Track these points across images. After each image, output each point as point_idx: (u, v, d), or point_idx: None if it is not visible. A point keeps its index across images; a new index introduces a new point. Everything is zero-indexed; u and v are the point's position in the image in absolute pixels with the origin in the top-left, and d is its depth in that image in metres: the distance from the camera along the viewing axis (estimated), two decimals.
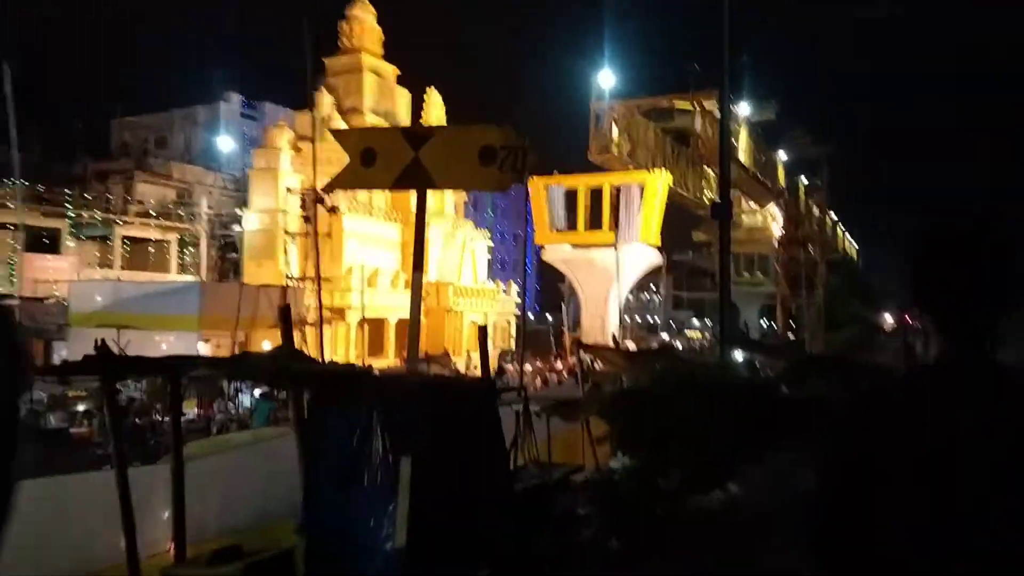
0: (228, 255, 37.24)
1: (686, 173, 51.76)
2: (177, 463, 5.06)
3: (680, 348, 35.88)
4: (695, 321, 79.74)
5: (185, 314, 21.03)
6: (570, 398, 11.44)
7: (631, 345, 36.15)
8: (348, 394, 5.06)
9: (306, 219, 24.35)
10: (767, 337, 50.01)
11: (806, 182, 59.46)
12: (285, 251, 27.66)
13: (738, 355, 21.95)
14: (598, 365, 14.15)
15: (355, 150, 5.12)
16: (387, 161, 5.00)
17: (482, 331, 7.15)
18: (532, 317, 68.19)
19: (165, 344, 21.55)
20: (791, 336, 44.28)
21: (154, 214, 33.40)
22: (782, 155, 59.25)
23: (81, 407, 15.89)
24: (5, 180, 28.20)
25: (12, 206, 27.53)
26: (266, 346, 25.13)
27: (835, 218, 70.96)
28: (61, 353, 24.66)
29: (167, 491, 7.75)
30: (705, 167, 53.97)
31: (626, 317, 57.96)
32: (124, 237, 32.37)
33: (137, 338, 21.35)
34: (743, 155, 51.64)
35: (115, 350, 18.28)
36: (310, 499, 4.83)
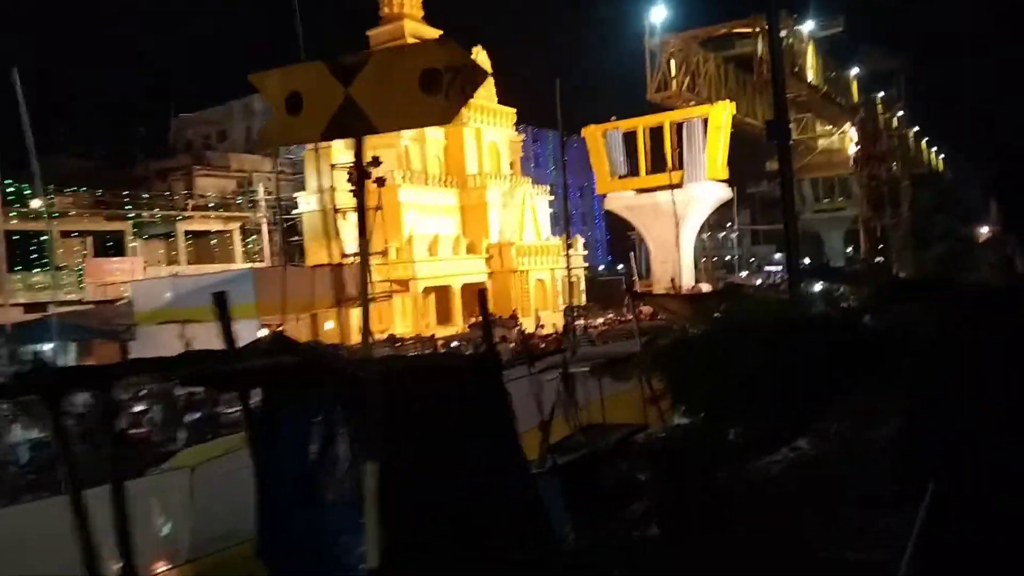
0: (292, 239, 37.35)
1: (753, 101, 49.27)
2: (115, 486, 4.36)
3: (758, 284, 34.21)
4: (777, 255, 76.85)
5: (242, 303, 20.88)
6: (622, 354, 10.50)
7: (705, 287, 34.71)
8: (300, 390, 4.28)
9: (354, 193, 23.80)
10: (852, 263, 47.48)
11: (883, 95, 55.82)
12: (337, 230, 27.22)
13: (817, 286, 20.50)
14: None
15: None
16: (315, 105, 4.10)
17: (481, 295, 6.24)
18: (603, 268, 66.97)
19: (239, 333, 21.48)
20: (878, 260, 41.79)
21: (212, 206, 33.59)
22: (855, 71, 55.80)
23: (138, 407, 15.84)
24: (65, 188, 28.70)
25: (72, 213, 28.07)
26: (328, 327, 24.99)
27: (918, 132, 66.68)
28: (133, 353, 25.09)
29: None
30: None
31: (701, 258, 56.15)
32: (186, 232, 32.71)
33: (201, 331, 21.42)
34: (811, 73, 48.71)
35: (180, 345, 18.10)
36: (266, 518, 4.11)
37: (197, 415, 16.63)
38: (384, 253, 25.76)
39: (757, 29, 46.78)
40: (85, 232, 29.56)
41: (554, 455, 7.80)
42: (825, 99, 50.81)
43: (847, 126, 48.38)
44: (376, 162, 24.51)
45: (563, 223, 33.67)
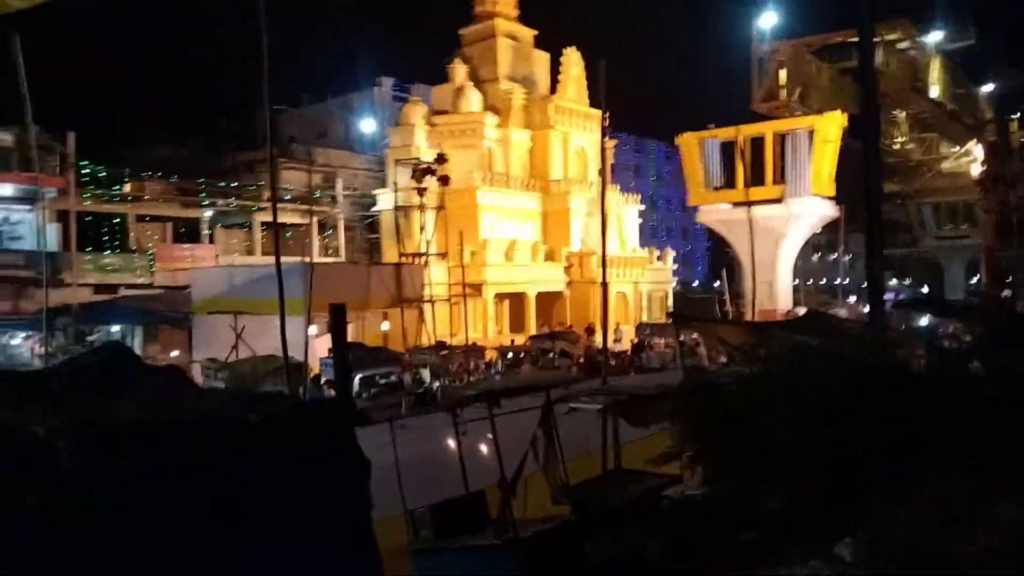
0: (372, 236, 36.79)
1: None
2: None
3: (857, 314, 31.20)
4: (893, 282, 71.77)
5: (291, 298, 20.04)
6: (649, 390, 8.66)
7: (801, 312, 31.90)
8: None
9: (418, 192, 22.84)
10: (974, 296, 43.22)
11: (1018, 115, 50.89)
12: (407, 229, 26.19)
13: (923, 320, 17.83)
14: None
15: None
16: None
17: (336, 311, 4.70)
18: (696, 284, 64.03)
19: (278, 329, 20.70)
20: (1004, 294, 37.68)
21: (288, 198, 33.28)
22: (987, 88, 51.11)
23: None
24: (148, 174, 28.87)
25: (147, 198, 28.21)
26: (385, 327, 23.92)
27: None
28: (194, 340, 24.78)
29: None
30: (894, 110, 47.53)
31: (808, 281, 52.57)
32: (263, 223, 32.49)
33: (253, 323, 20.71)
34: (936, 89, 44.76)
35: (232, 335, 17.06)
36: None
37: None
38: (444, 255, 24.50)
39: (876, 39, 43.41)
40: (162, 218, 29.69)
41: (514, 525, 6.14)
42: (951, 117, 46.68)
43: (972, 143, 44.15)
44: (441, 159, 23.38)
45: (662, 236, 31.84)
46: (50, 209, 25.85)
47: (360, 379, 17.79)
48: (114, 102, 65.15)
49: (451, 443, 6.82)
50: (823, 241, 59.47)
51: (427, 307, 22.96)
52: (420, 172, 22.20)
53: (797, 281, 45.44)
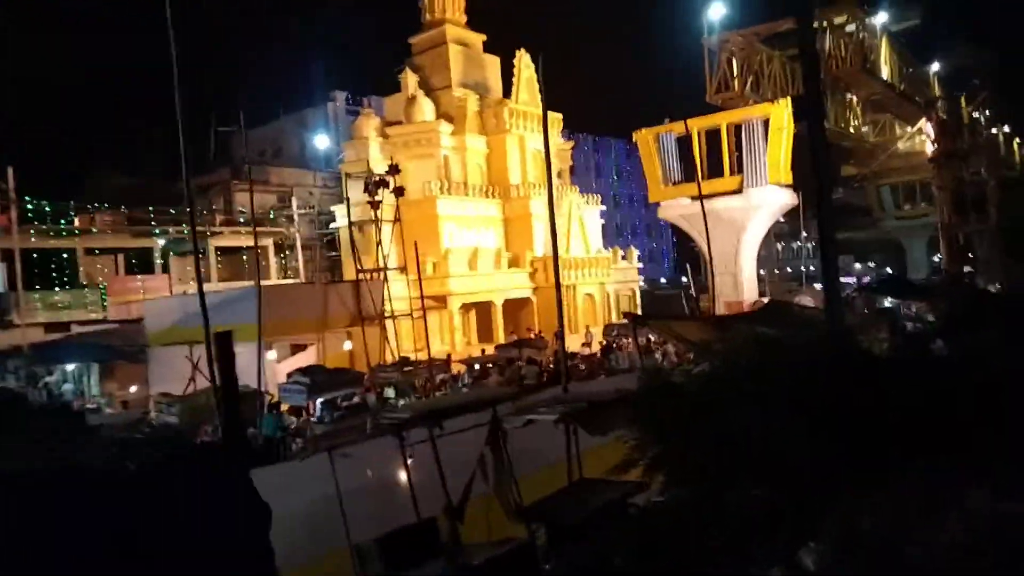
0: (331, 254, 36.20)
1: (824, 101, 46.09)
2: None
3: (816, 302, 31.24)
4: (857, 265, 72.49)
5: (246, 323, 19.51)
6: (605, 396, 8.33)
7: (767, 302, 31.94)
8: None
9: (372, 205, 22.41)
10: (937, 275, 43.66)
11: (966, 93, 51.60)
12: (378, 242, 25.55)
13: (886, 302, 17.76)
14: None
15: None
16: None
17: (222, 339, 4.33)
18: (664, 281, 64.16)
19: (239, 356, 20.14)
20: (966, 270, 38.04)
21: (242, 221, 32.70)
22: (936, 67, 51.82)
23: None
24: (94, 206, 28.09)
25: (95, 231, 27.47)
26: (347, 347, 23.41)
27: (1009, 132, 61.62)
28: (151, 375, 24.04)
29: None
30: (847, 94, 47.93)
31: (775, 270, 52.83)
32: (219, 248, 31.83)
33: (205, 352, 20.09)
34: (886, 70, 45.22)
35: (189, 366, 16.42)
36: None
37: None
38: (403, 268, 24.06)
39: (826, 24, 43.74)
40: (113, 249, 28.91)
41: (463, 553, 5.77)
42: (902, 97, 47.19)
43: (923, 122, 44.64)
44: (394, 169, 22.96)
45: (628, 235, 31.60)
46: None
47: (321, 403, 17.29)
48: (67, 134, 63.87)
49: (399, 469, 6.42)
50: (786, 229, 59.79)
51: (390, 323, 22.49)
52: (374, 185, 21.78)
53: (763, 271, 45.64)
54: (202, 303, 12.17)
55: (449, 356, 25.92)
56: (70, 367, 26.06)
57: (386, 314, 21.24)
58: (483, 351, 27.03)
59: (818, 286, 49.85)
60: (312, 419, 16.83)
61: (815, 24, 42.96)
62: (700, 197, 28.91)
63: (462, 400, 8.29)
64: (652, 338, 22.35)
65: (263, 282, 31.82)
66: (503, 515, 7.57)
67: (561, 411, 7.95)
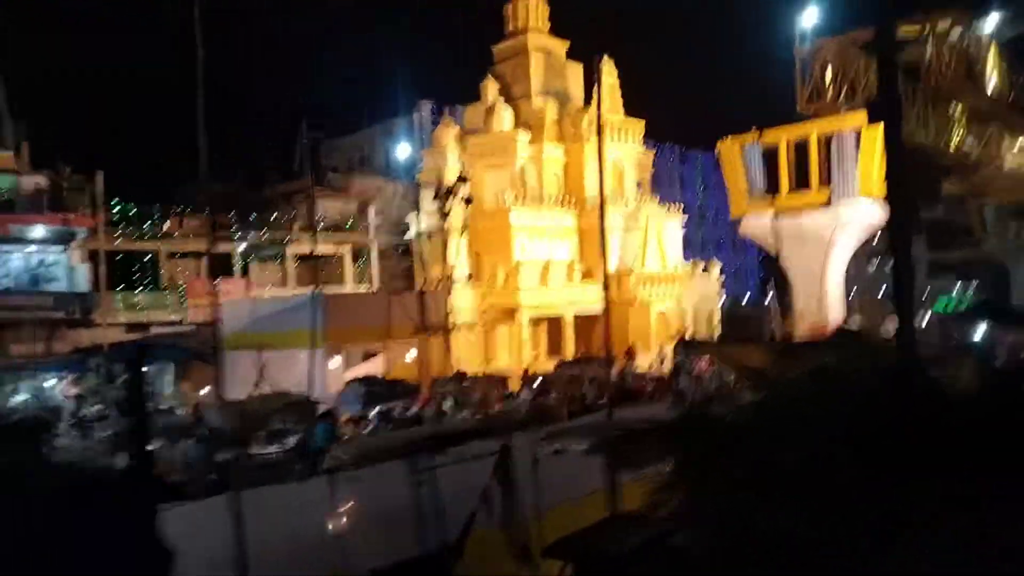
0: (407, 263, 36.35)
1: (925, 114, 43.68)
2: None
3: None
4: (957, 287, 68.61)
5: (307, 329, 19.53)
6: (642, 423, 7.67)
7: (854, 325, 30.26)
8: None
9: (442, 215, 22.32)
10: None
11: None
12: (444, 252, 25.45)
13: (979, 331, 16.33)
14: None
15: None
16: None
17: (139, 353, 3.95)
18: (749, 299, 61.99)
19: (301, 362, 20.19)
20: None
21: (320, 228, 33.19)
22: None
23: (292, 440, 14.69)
24: (177, 210, 28.91)
25: (177, 235, 28.28)
26: (409, 356, 23.20)
27: None
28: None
29: None
30: (948, 103, 45.31)
31: (860, 291, 50.26)
32: (298, 254, 32.34)
33: (279, 357, 20.19)
34: (994, 79, 42.51)
35: (255, 371, 16.47)
36: None
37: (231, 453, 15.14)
38: (469, 278, 23.76)
39: (927, 31, 41.46)
40: (195, 254, 29.67)
41: None
42: (1011, 110, 44.25)
43: None
44: (462, 179, 22.73)
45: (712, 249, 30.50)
46: (82, 249, 26.03)
47: (376, 413, 17.07)
48: (166, 140, 66.64)
49: (408, 495, 5.96)
50: (883, 248, 57.06)
51: (456, 334, 22.20)
52: (443, 194, 21.65)
53: (854, 291, 43.57)
54: None
55: (526, 371, 25.49)
56: (145, 368, 26.81)
57: (449, 325, 20.96)
58: (500, 375, 26.33)
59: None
60: (364, 430, 16.61)
61: (916, 30, 40.91)
62: (777, 210, 27.60)
63: (450, 429, 7.73)
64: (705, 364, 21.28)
65: (338, 289, 32.24)
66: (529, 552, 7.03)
67: (594, 440, 7.36)
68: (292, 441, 15.86)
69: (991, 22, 41.78)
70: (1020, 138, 47.48)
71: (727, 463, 5.44)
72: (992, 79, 42.32)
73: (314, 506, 6.01)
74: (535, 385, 20.55)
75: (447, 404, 18.25)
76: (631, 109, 37.56)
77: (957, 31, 40.42)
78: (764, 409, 5.99)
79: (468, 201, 22.24)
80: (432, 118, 57.94)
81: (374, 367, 21.69)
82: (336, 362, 20.71)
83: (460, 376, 19.10)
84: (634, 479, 7.94)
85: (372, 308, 20.94)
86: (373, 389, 16.07)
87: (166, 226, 29.09)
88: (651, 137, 73.68)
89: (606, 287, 12.71)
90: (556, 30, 38.17)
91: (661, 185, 70.63)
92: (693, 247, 65.27)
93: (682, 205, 39.42)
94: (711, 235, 74.25)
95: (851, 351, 10.10)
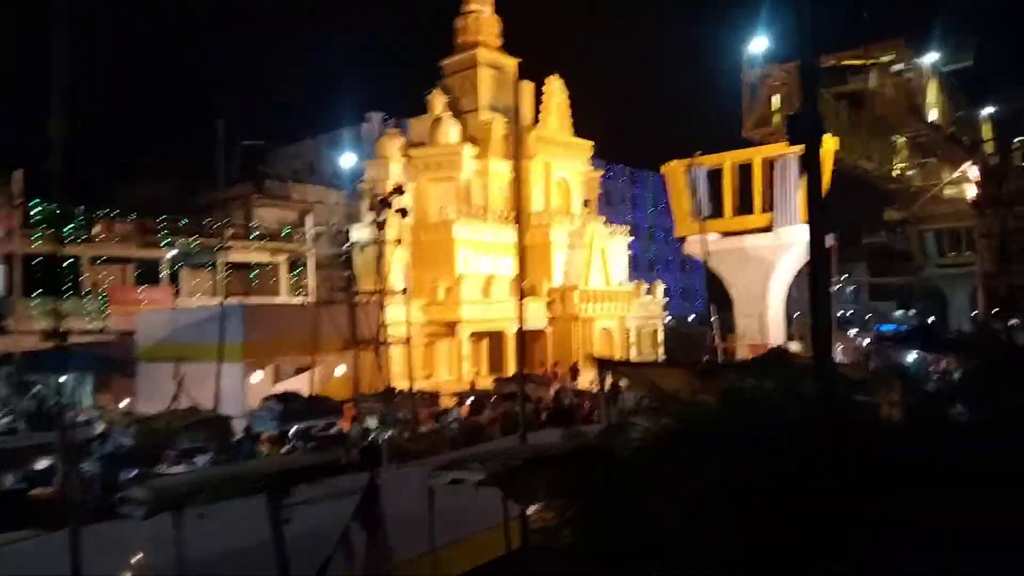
0: (346, 273, 35.52)
1: (868, 142, 44.44)
2: None
3: (846, 348, 29.57)
4: (898, 312, 69.94)
5: (230, 342, 18.68)
6: (541, 452, 7.15)
7: (794, 347, 30.36)
8: None
9: (378, 225, 21.65)
10: (979, 328, 41.40)
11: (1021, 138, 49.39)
12: (377, 263, 24.74)
13: (911, 355, 16.22)
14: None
15: None
16: None
17: None
18: (692, 319, 62.38)
19: (221, 376, 19.28)
20: (1011, 323, 35.90)
21: (253, 236, 32.24)
22: (988, 110, 49.72)
23: (43, 463, 13.45)
24: (101, 213, 27.72)
25: (101, 239, 27.11)
26: (339, 372, 22.43)
27: None
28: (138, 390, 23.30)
29: None
30: (892, 134, 46.19)
31: (803, 313, 50.74)
32: (229, 263, 31.30)
33: (195, 370, 19.24)
34: (934, 111, 43.47)
35: (174, 384, 15.41)
36: None
37: (133, 472, 14.19)
38: (403, 291, 23.12)
39: (871, 61, 42.24)
40: (121, 259, 28.47)
41: None
42: (951, 141, 45.29)
43: (966, 165, 42.71)
44: (398, 191, 22.12)
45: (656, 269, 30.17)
46: None
47: (295, 432, 16.26)
48: (104, 140, 64.64)
49: (265, 535, 5.31)
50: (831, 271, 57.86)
51: (392, 349, 21.47)
52: (378, 204, 21.03)
53: (798, 313, 43.89)
54: None
55: (472, 385, 24.87)
56: (63, 377, 25.50)
57: (381, 340, 20.21)
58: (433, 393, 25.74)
59: (852, 332, 47.77)
60: (282, 450, 15.81)
61: (859, 62, 41.62)
62: (726, 232, 27.58)
63: (297, 463, 7.05)
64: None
65: (271, 300, 31.27)
66: None
67: (487, 470, 6.82)
68: (202, 461, 15.00)
69: (931, 56, 42.77)
70: (957, 168, 48.59)
71: (621, 495, 5.03)
72: (933, 111, 43.27)
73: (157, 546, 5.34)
74: (468, 403, 19.92)
75: (370, 421, 17.52)
76: (581, 129, 37.43)
77: (900, 64, 41.25)
78: (667, 436, 5.55)
79: (403, 212, 21.62)
80: (381, 129, 57.26)
81: (300, 383, 20.87)
82: (258, 376, 19.83)
83: (389, 391, 18.38)
84: (537, 511, 7.40)
85: (298, 320, 20.13)
86: (290, 406, 15.27)
87: (93, 230, 27.82)
88: (603, 158, 73.88)
89: (520, 307, 12.19)
90: (509, 48, 37.92)
91: (613, 204, 70.93)
92: (642, 266, 65.49)
93: (628, 226, 39.31)
94: (661, 254, 74.71)
95: (778, 373, 9.75)
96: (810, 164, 8.40)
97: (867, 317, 66.66)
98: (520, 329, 12.31)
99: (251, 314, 19.57)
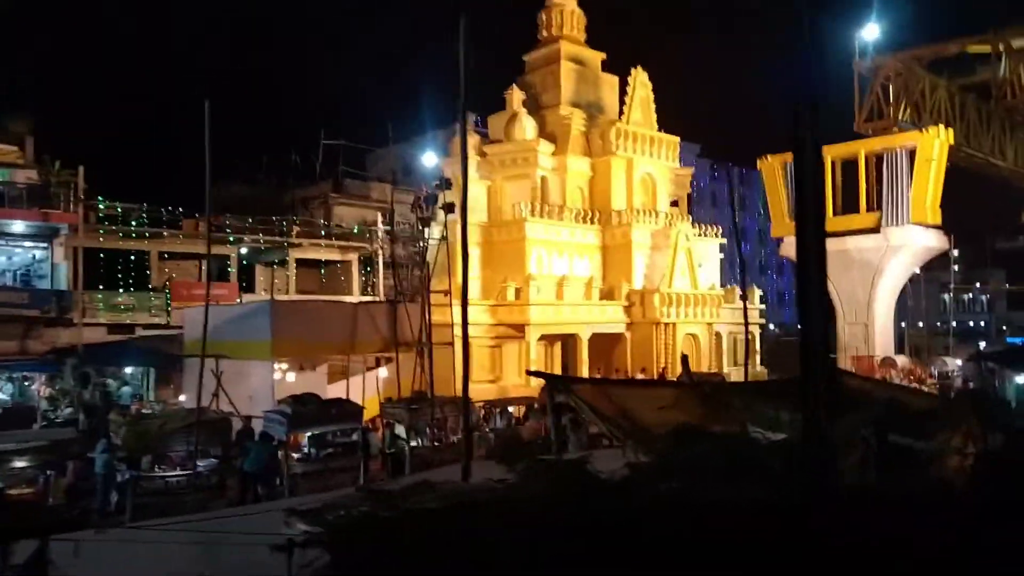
0: (418, 272, 34.73)
1: (1002, 137, 40.06)
2: None
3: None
4: None
5: (259, 339, 17.87)
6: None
7: (901, 361, 27.20)
8: None
9: (421, 223, 20.43)
10: None
11: None
12: (421, 260, 23.60)
13: (1021, 377, 13.57)
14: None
15: None
16: None
17: None
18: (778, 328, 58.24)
19: (254, 375, 18.57)
20: None
21: (323, 234, 31.83)
22: None
23: (19, 463, 12.80)
24: (171, 210, 27.87)
25: (166, 235, 27.26)
26: (382, 374, 21.31)
27: None
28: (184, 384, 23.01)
29: None
30: None
31: (923, 323, 46.31)
32: (301, 260, 30.99)
33: (234, 367, 18.58)
34: None
35: (214, 379, 14.69)
36: None
37: (128, 475, 13.46)
38: (446, 292, 21.69)
39: (1001, 47, 37.91)
40: (193, 255, 28.54)
41: None
42: None
43: None
44: (445, 184, 20.82)
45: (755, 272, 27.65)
46: (66, 246, 25.11)
47: (309, 438, 15.23)
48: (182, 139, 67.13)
49: None
50: (958, 279, 53.02)
51: (446, 351, 20.06)
52: (423, 200, 19.82)
53: (921, 323, 39.99)
54: None
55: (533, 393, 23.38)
56: (128, 370, 25.69)
57: (423, 342, 18.93)
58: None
59: (983, 345, 43.00)
60: (296, 456, 14.80)
61: (986, 48, 37.39)
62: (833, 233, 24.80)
63: None
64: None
65: (344, 298, 30.71)
66: None
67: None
68: (204, 465, 14.15)
69: None
70: None
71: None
72: None
73: None
74: (507, 409, 18.36)
75: (399, 429, 16.27)
76: (681, 128, 35.21)
77: None
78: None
79: (450, 208, 20.23)
80: (475, 129, 56.55)
81: (369, 381, 19.76)
82: (283, 374, 18.97)
83: (417, 396, 17.03)
84: None
85: (334, 318, 19.12)
86: (302, 411, 14.15)
87: (185, 227, 28.14)
88: (709, 157, 70.38)
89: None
90: (592, 42, 36.17)
91: (719, 206, 67.64)
92: (751, 270, 61.93)
93: (719, 228, 36.57)
94: (768, 258, 70.79)
95: (815, 399, 7.65)
96: (800, 173, 6.35)
97: (1004, 328, 60.77)
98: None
99: (282, 310, 18.71)
